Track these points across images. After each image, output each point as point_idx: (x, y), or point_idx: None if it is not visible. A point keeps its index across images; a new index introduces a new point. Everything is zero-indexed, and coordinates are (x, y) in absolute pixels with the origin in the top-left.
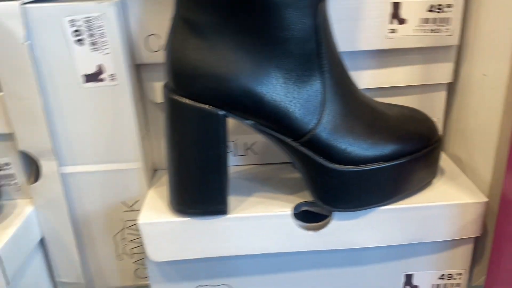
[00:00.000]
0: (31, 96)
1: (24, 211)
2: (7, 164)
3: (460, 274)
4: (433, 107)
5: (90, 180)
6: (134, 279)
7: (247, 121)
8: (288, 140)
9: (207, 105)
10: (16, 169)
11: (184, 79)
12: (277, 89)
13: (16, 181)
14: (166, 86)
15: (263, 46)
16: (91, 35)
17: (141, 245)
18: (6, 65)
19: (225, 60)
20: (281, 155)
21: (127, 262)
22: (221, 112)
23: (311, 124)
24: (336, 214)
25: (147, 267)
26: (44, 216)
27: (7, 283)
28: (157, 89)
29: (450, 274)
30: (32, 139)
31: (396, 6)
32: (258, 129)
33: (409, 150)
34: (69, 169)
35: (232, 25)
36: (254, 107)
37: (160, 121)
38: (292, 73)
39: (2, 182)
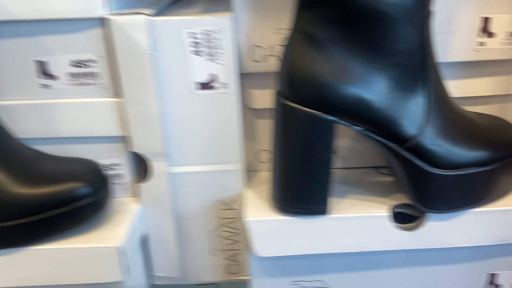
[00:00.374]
0: (150, 102)
1: (132, 208)
2: (117, 164)
3: None
4: None
5: (193, 179)
6: (225, 274)
7: (355, 127)
8: (392, 145)
9: (319, 112)
10: (125, 169)
11: (299, 87)
12: (385, 98)
13: (123, 180)
14: (278, 93)
15: (375, 57)
16: (208, 47)
17: (234, 242)
18: (130, 72)
19: (340, 70)
20: (365, 160)
21: (219, 258)
22: (331, 118)
23: (416, 131)
24: (430, 216)
25: (249, 262)
26: (150, 213)
27: (128, 275)
28: (255, 96)
29: None
30: (146, 142)
31: (485, 20)
32: (365, 135)
33: (501, 156)
34: (175, 169)
35: (348, 38)
36: (364, 114)
37: (249, 125)
38: (399, 83)
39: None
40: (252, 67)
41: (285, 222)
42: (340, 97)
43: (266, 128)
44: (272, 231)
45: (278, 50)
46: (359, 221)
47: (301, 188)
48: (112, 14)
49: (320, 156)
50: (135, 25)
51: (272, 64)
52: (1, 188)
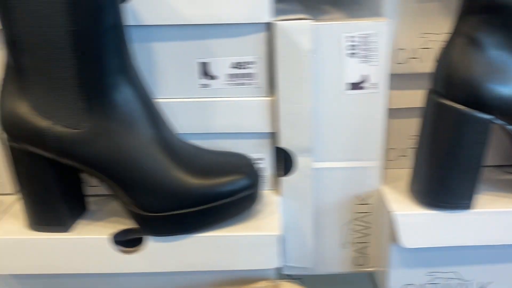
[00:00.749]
0: (303, 101)
1: (275, 200)
2: (260, 159)
3: None
4: None
5: (333, 175)
6: (352, 266)
7: (510, 126)
8: None
9: (477, 111)
10: (268, 164)
11: (458, 87)
12: None
13: (265, 173)
14: (433, 92)
15: None
16: (364, 49)
17: (365, 235)
18: (288, 73)
19: (499, 72)
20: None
21: (348, 250)
22: (488, 117)
23: None
24: None
25: (388, 253)
26: (289, 205)
27: (284, 264)
28: (391, 96)
29: None
30: (295, 138)
31: None
32: None
33: None
34: (318, 165)
35: (510, 41)
36: None
37: None
38: None
39: None
40: (394, 69)
41: (432, 216)
42: (499, 97)
43: (396, 127)
44: (419, 224)
45: (421, 53)
46: (502, 215)
47: (450, 183)
48: (276, 20)
49: (473, 153)
50: (300, 30)
51: (414, 67)
52: (178, 180)
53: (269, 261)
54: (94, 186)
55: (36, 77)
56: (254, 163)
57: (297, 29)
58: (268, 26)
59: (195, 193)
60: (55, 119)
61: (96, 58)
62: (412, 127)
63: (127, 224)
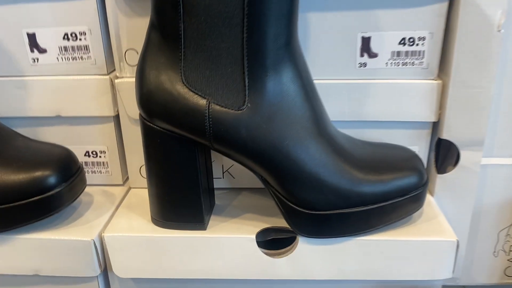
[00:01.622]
0: (485, 85)
1: (430, 201)
2: None
3: None
4: None
5: (498, 173)
6: (501, 277)
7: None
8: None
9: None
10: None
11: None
12: None
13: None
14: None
15: None
16: None
17: None
18: (471, 53)
19: None
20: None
21: (500, 259)
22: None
23: None
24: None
25: None
26: (444, 207)
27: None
28: None
29: None
30: (466, 128)
31: None
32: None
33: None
34: (484, 161)
35: None
36: None
37: None
38: None
39: None
40: None
41: None
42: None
43: None
44: None
45: None
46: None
47: None
48: None
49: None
50: (491, 1)
51: None
52: (346, 174)
53: (443, 270)
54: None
55: (197, 47)
56: (420, 158)
57: (489, 0)
58: None
59: (365, 190)
60: (213, 97)
61: (266, 27)
62: None
63: (267, 221)
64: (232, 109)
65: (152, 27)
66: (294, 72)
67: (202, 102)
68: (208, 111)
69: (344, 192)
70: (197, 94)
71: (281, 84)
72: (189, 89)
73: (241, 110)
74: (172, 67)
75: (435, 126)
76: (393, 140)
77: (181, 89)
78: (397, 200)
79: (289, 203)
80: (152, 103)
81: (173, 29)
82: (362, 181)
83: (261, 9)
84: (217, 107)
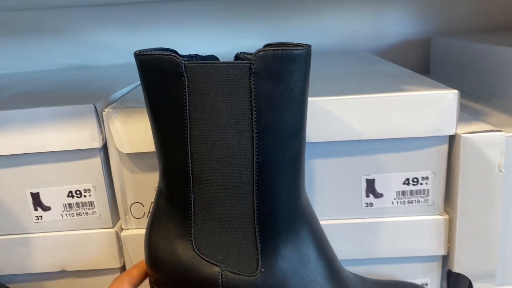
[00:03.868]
0: (491, 221)
1: None
2: (424, 284)
3: None
4: None
5: None
6: None
7: None
8: None
9: None
10: None
11: None
12: None
13: None
14: None
15: None
16: None
17: None
18: (474, 191)
19: None
20: None
21: None
22: None
23: None
24: None
25: None
26: None
27: None
28: None
29: None
30: (476, 261)
31: None
32: None
33: None
34: None
35: None
36: None
37: None
38: None
39: None
40: None
41: None
42: None
43: None
44: None
45: None
46: None
47: None
48: (460, 132)
49: None
50: (490, 143)
51: None
52: None
53: None
54: None
55: (207, 215)
56: None
57: (488, 142)
58: (451, 138)
59: None
60: (226, 263)
61: (277, 193)
62: None
63: None
64: (245, 275)
65: (160, 194)
66: (307, 230)
67: (215, 270)
68: (222, 280)
69: None
70: (209, 262)
71: (294, 245)
72: (201, 258)
73: (254, 275)
74: (182, 235)
75: (445, 258)
76: (405, 274)
77: (192, 258)
78: None
79: None
80: (163, 273)
81: (183, 198)
82: None
83: (271, 177)
84: (230, 274)
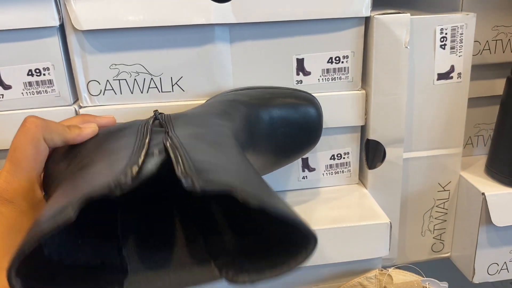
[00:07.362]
0: (399, 92)
1: (365, 193)
2: (346, 153)
3: None
4: None
5: (418, 164)
6: (429, 253)
7: None
8: None
9: None
10: (353, 157)
11: None
12: None
13: (349, 168)
14: None
15: None
16: (452, 41)
17: (443, 221)
18: (384, 66)
19: None
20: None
21: (427, 237)
22: None
23: None
24: None
25: (478, 234)
26: (376, 198)
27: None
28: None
29: None
30: (388, 129)
31: None
32: None
33: None
34: (405, 155)
35: None
36: None
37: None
38: None
39: (338, 170)
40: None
41: None
42: None
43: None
44: (508, 203)
45: (492, 45)
46: None
47: None
48: (373, 14)
49: None
50: (398, 23)
51: (485, 58)
52: None
53: (381, 249)
54: None
55: None
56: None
57: (396, 22)
58: (366, 20)
59: None
60: None
61: None
62: (477, 116)
63: None
64: None
65: None
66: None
67: None
68: None
69: None
70: None
71: None
72: None
73: None
74: None
75: (363, 129)
76: (329, 144)
77: None
78: None
79: None
80: None
81: None
82: None
83: None
84: None
